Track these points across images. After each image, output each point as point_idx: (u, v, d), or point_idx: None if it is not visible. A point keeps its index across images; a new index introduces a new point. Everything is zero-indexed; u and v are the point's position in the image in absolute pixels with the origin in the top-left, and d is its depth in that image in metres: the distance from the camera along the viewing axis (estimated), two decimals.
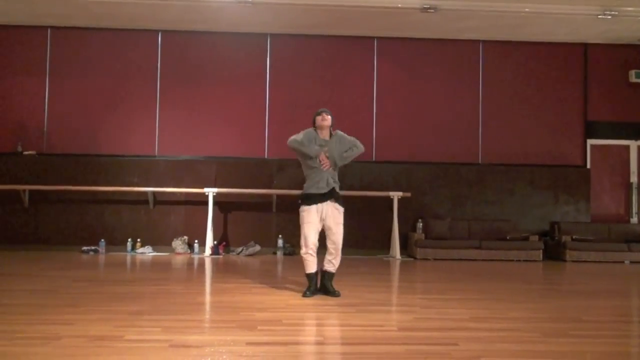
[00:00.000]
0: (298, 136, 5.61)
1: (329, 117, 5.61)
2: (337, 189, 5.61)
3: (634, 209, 10.62)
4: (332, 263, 5.57)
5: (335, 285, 5.57)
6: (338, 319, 4.46)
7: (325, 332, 3.98)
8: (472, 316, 4.64)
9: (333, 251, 5.54)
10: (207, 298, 5.57)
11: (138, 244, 9.77)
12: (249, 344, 3.61)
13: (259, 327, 4.07)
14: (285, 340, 3.73)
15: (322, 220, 5.52)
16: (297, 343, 3.68)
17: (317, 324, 4.27)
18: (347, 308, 4.90)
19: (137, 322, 4.19)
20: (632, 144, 10.75)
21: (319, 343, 3.67)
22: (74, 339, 3.63)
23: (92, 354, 3.31)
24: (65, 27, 10.18)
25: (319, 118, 5.62)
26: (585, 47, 10.70)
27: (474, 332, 4.06)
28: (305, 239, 5.49)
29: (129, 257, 9.15)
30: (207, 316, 4.55)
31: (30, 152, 9.96)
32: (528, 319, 4.59)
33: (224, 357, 3.32)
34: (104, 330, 3.90)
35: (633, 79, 10.51)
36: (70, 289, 5.69)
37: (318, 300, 5.29)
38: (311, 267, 5.53)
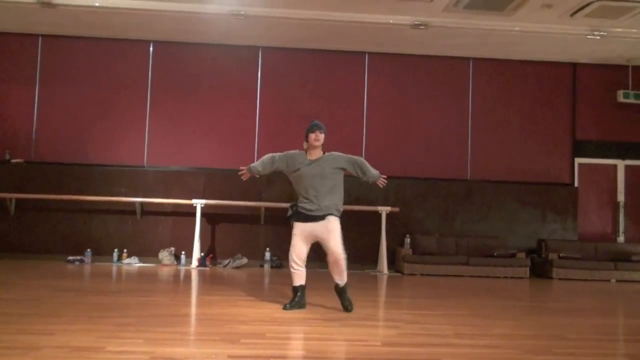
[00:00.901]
0: (266, 157, 5.66)
1: (322, 135, 5.47)
2: (331, 214, 5.40)
3: (621, 228, 10.70)
4: (338, 275, 5.42)
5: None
6: (322, 333, 4.44)
7: (308, 346, 3.96)
8: (456, 332, 4.64)
9: (332, 261, 5.36)
10: (192, 310, 5.53)
11: (124, 255, 9.71)
12: (230, 357, 3.59)
13: (242, 340, 4.04)
14: (268, 354, 3.71)
15: (314, 235, 5.43)
16: (279, 357, 3.65)
17: (300, 338, 4.25)
18: (331, 322, 4.88)
19: (120, 334, 4.14)
20: (620, 163, 10.85)
21: (300, 357, 3.65)
22: (54, 350, 3.58)
23: None
24: (56, 36, 10.18)
25: (312, 136, 5.45)
26: (574, 66, 10.83)
27: (457, 348, 4.05)
28: (292, 249, 5.44)
29: (114, 268, 9.09)
30: (191, 328, 4.51)
31: (17, 160, 9.91)
32: (511, 335, 4.60)
33: None
34: (85, 341, 3.86)
35: (621, 99, 10.64)
36: (53, 299, 5.63)
37: (303, 313, 5.27)
38: (296, 279, 5.48)
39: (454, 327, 4.85)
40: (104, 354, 3.55)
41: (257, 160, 5.75)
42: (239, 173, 5.73)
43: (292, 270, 5.47)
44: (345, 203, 10.06)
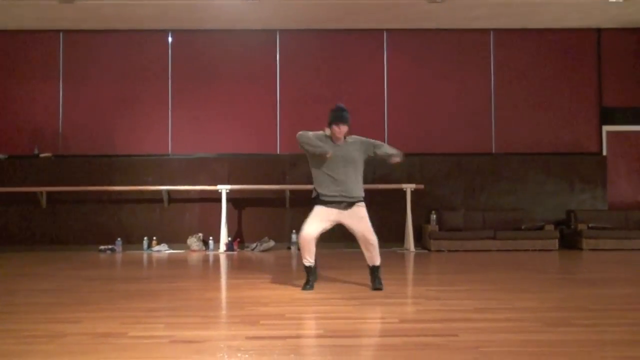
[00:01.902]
0: (308, 133, 5.49)
1: (345, 127, 5.44)
2: (355, 200, 5.43)
3: None
4: (371, 259, 5.50)
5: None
6: (341, 312, 4.48)
7: (326, 325, 4.00)
8: (477, 307, 4.63)
9: (365, 246, 5.47)
10: (216, 294, 5.62)
11: (154, 242, 9.91)
12: (248, 338, 3.65)
13: (261, 322, 4.11)
14: (285, 334, 3.76)
15: (337, 220, 5.45)
16: (295, 337, 3.71)
17: (318, 318, 4.29)
18: (351, 301, 4.92)
19: (143, 319, 4.26)
20: None
21: (317, 336, 3.69)
22: (78, 337, 3.70)
23: (92, 351, 3.37)
24: (76, 31, 10.35)
25: (335, 129, 5.42)
26: (598, 32, 10.55)
27: (476, 323, 4.04)
28: (303, 226, 5.46)
29: (145, 256, 9.28)
30: (212, 312, 4.59)
31: (46, 155, 10.15)
32: (533, 308, 4.56)
33: (222, 351, 3.37)
34: (109, 327, 3.97)
35: None
36: (82, 288, 5.79)
37: (324, 294, 5.31)
38: (305, 257, 5.51)
39: (475, 302, 4.84)
40: (125, 339, 3.65)
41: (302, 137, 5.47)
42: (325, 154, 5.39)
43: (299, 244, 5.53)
44: (369, 182, 10.15)
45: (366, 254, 5.54)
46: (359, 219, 5.43)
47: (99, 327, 3.98)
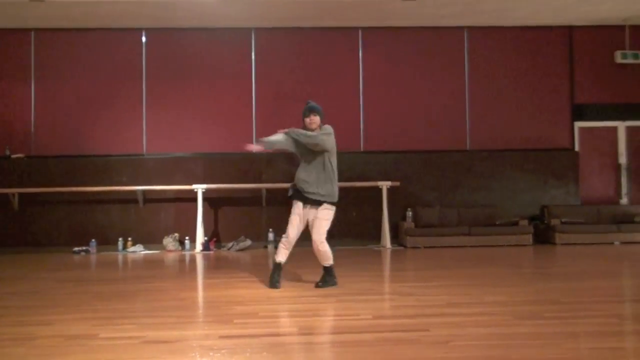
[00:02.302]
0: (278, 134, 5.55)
1: (317, 117, 5.50)
2: (325, 196, 5.41)
3: (624, 190, 10.64)
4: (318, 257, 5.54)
5: (319, 276, 5.58)
6: (315, 310, 4.49)
7: (300, 323, 4.01)
8: (450, 302, 4.67)
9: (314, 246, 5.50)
10: (191, 294, 5.59)
11: (129, 243, 9.81)
12: (221, 337, 3.65)
13: (235, 321, 4.10)
14: (258, 332, 3.76)
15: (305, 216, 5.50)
16: (270, 335, 3.71)
17: (292, 315, 4.30)
18: (326, 298, 4.93)
19: (116, 320, 4.22)
20: (620, 125, 10.74)
21: (290, 334, 3.70)
22: (49, 339, 3.66)
23: (62, 353, 3.34)
24: (48, 29, 10.18)
25: (306, 120, 5.51)
26: (570, 29, 10.69)
27: (448, 318, 4.09)
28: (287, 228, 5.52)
29: (120, 257, 9.19)
30: (186, 312, 4.57)
31: (18, 155, 9.99)
32: (505, 302, 4.63)
33: (195, 351, 3.36)
34: (80, 329, 3.93)
35: (619, 59, 10.50)
36: (55, 290, 5.72)
37: (299, 291, 5.33)
38: (278, 256, 5.54)
39: (448, 297, 4.89)
40: (96, 340, 3.62)
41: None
42: (249, 148, 5.59)
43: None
44: (345, 179, 10.18)
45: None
46: (314, 219, 5.53)
47: (70, 329, 3.94)
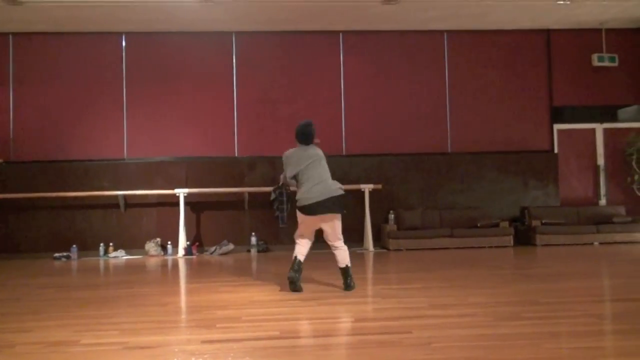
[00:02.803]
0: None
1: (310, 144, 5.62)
2: (333, 196, 5.44)
3: (602, 191, 10.78)
4: (337, 259, 5.57)
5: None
6: (298, 313, 4.50)
7: (282, 326, 4.01)
8: (432, 304, 4.71)
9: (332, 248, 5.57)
10: (173, 299, 5.56)
11: (110, 248, 9.74)
12: (204, 342, 3.64)
13: (217, 325, 4.10)
14: (241, 336, 3.76)
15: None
16: (252, 339, 3.70)
17: (275, 319, 4.30)
18: (309, 302, 4.94)
19: (97, 326, 4.19)
20: (598, 127, 10.90)
21: (272, 338, 3.70)
22: (28, 346, 3.63)
23: None
24: (27, 33, 10.09)
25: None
26: (547, 33, 10.83)
27: (430, 320, 4.12)
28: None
29: (101, 262, 9.11)
30: (168, 317, 4.55)
31: None
32: (485, 303, 4.67)
33: (176, 356, 3.35)
34: (61, 336, 3.90)
35: (596, 62, 10.66)
36: (34, 297, 5.66)
37: (282, 295, 5.33)
38: (296, 251, 5.56)
39: (430, 299, 4.92)
40: (77, 347, 3.59)
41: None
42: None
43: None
44: None
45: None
46: (324, 223, 5.55)
47: (50, 335, 3.91)
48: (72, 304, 5.19)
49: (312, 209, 5.34)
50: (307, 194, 5.36)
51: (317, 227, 5.50)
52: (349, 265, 5.53)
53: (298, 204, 5.44)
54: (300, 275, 5.47)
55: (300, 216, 5.48)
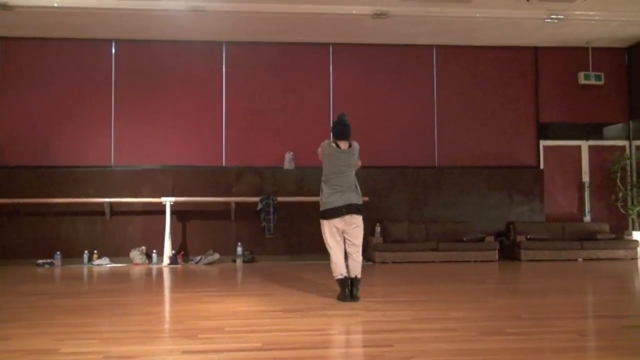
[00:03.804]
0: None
1: (346, 142, 5.81)
2: (356, 200, 5.63)
3: (587, 208, 10.88)
4: (351, 268, 5.63)
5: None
6: (280, 325, 4.49)
7: (264, 338, 4.00)
8: (415, 317, 4.71)
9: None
10: (156, 308, 5.53)
11: (95, 256, 9.66)
12: (185, 352, 3.62)
13: (199, 336, 4.07)
14: (222, 347, 3.74)
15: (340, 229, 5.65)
16: (234, 350, 3.69)
17: (257, 331, 4.28)
18: (292, 314, 4.93)
19: (78, 335, 4.16)
20: (583, 144, 11.02)
21: (254, 349, 3.68)
22: (6, 354, 3.58)
23: None
24: (16, 38, 10.04)
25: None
26: (535, 50, 10.96)
27: (412, 333, 4.12)
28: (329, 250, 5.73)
29: (85, 270, 9.04)
30: (150, 326, 4.52)
31: None
32: (468, 318, 4.68)
33: None
34: (40, 344, 3.86)
35: (582, 80, 10.79)
36: (15, 304, 5.61)
37: (265, 306, 5.31)
38: (334, 270, 5.62)
39: (414, 313, 4.93)
40: (56, 355, 3.56)
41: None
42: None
43: None
44: (313, 194, 10.16)
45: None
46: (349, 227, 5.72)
47: (29, 343, 3.87)
48: (54, 311, 5.14)
49: (339, 212, 5.54)
50: (331, 198, 5.61)
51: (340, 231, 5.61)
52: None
53: (323, 207, 5.59)
54: (349, 289, 5.51)
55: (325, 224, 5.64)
